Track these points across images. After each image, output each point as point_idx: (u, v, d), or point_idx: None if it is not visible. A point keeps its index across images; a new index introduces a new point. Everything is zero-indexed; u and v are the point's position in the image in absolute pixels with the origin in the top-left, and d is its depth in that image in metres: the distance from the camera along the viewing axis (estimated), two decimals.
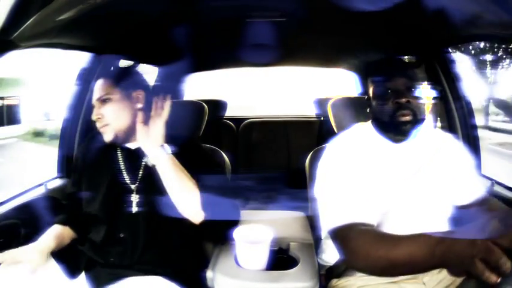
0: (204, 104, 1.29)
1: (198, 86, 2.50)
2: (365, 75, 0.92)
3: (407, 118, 0.81)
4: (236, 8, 1.08)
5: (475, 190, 0.87)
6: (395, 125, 0.82)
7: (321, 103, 1.95)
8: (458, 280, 0.79)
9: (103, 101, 0.88)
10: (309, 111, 2.29)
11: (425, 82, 0.86)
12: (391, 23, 1.15)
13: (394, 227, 0.82)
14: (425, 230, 0.82)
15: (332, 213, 0.76)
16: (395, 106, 0.82)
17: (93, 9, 0.79)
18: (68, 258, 0.87)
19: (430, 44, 1.29)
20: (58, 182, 1.27)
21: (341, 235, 0.73)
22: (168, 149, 0.83)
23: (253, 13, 1.16)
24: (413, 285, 0.83)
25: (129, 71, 0.96)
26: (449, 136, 0.95)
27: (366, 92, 0.91)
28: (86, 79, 1.31)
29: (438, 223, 0.86)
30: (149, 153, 0.84)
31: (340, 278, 0.89)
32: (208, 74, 2.35)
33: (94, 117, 0.89)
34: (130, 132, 0.90)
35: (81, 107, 1.32)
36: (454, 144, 0.92)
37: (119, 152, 0.94)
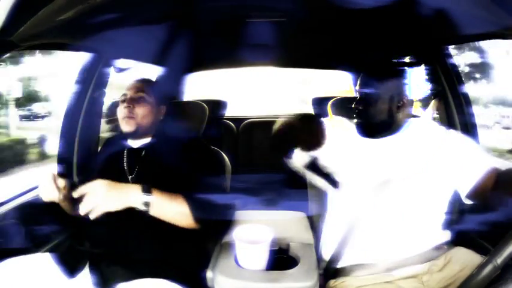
0: (204, 105, 1.29)
1: (198, 86, 2.49)
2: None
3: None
4: (236, 8, 1.08)
5: (480, 165, 0.82)
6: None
7: (321, 103, 1.95)
8: (458, 280, 0.79)
9: (139, 98, 0.99)
10: (309, 111, 2.28)
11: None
12: (390, 23, 1.15)
13: (371, 230, 0.85)
14: (409, 231, 0.84)
15: None
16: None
17: (93, 9, 0.79)
18: (66, 257, 0.86)
19: (430, 44, 1.29)
20: None
21: None
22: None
23: (253, 13, 1.16)
24: (411, 284, 0.83)
25: (164, 84, 1.08)
26: (441, 128, 0.93)
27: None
28: (85, 79, 1.31)
29: (425, 223, 0.86)
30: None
31: (337, 279, 0.89)
32: (208, 74, 2.35)
33: (125, 106, 0.98)
34: (144, 132, 0.99)
35: (82, 107, 1.32)
36: (444, 134, 0.91)
37: (125, 152, 1.01)
